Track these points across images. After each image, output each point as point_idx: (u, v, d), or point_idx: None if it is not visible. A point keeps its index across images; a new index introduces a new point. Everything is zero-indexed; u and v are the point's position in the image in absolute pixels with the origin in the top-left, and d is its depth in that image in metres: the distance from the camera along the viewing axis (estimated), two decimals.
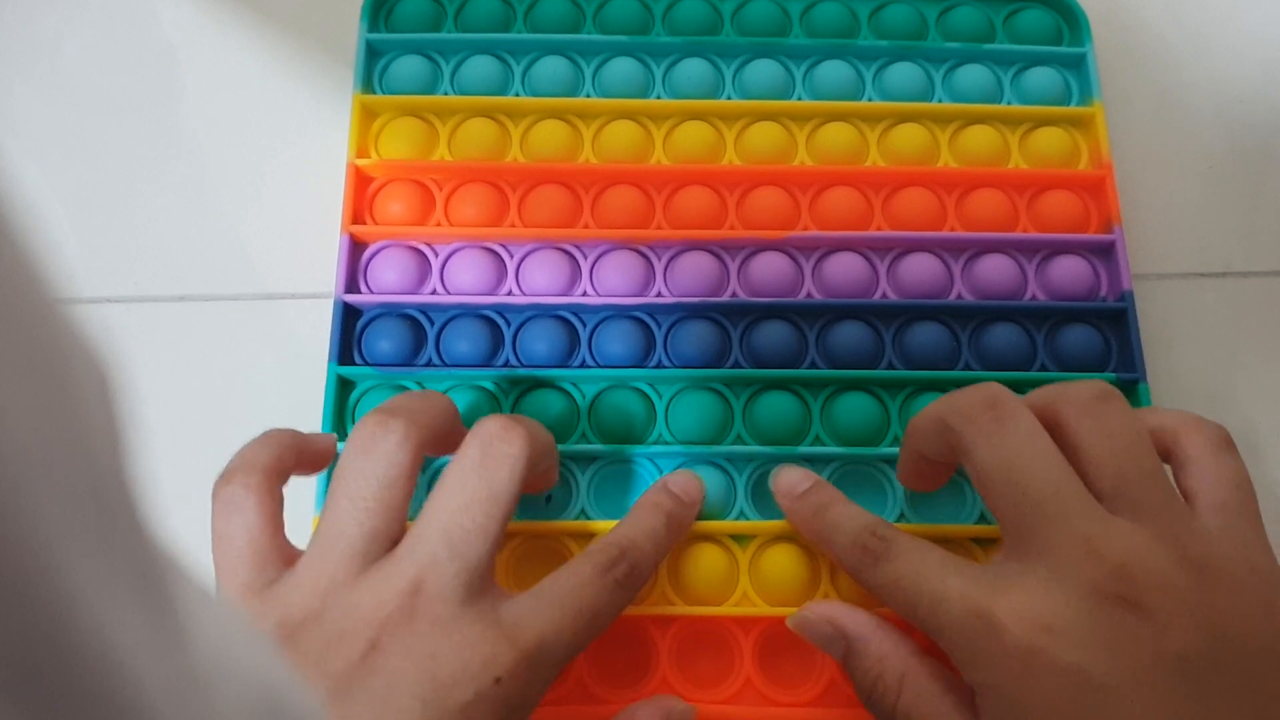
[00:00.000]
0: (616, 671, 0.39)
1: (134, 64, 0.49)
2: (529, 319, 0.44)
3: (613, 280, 0.44)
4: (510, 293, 0.44)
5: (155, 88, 0.49)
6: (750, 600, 0.40)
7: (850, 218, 0.45)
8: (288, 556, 0.33)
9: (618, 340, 0.43)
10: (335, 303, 0.43)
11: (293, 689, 0.19)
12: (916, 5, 0.49)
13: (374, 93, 0.47)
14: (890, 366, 0.44)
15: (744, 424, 0.43)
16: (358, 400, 0.43)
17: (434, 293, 0.44)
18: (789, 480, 0.40)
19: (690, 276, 0.44)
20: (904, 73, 0.48)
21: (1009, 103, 0.48)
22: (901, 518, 0.42)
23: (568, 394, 0.43)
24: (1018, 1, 0.50)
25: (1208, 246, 0.47)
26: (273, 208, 0.47)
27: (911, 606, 0.32)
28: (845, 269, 0.45)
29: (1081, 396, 0.33)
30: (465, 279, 0.44)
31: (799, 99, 0.48)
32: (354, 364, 0.43)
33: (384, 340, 0.43)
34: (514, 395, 0.43)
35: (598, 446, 0.42)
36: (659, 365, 0.43)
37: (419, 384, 0.43)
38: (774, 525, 0.41)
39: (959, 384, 0.43)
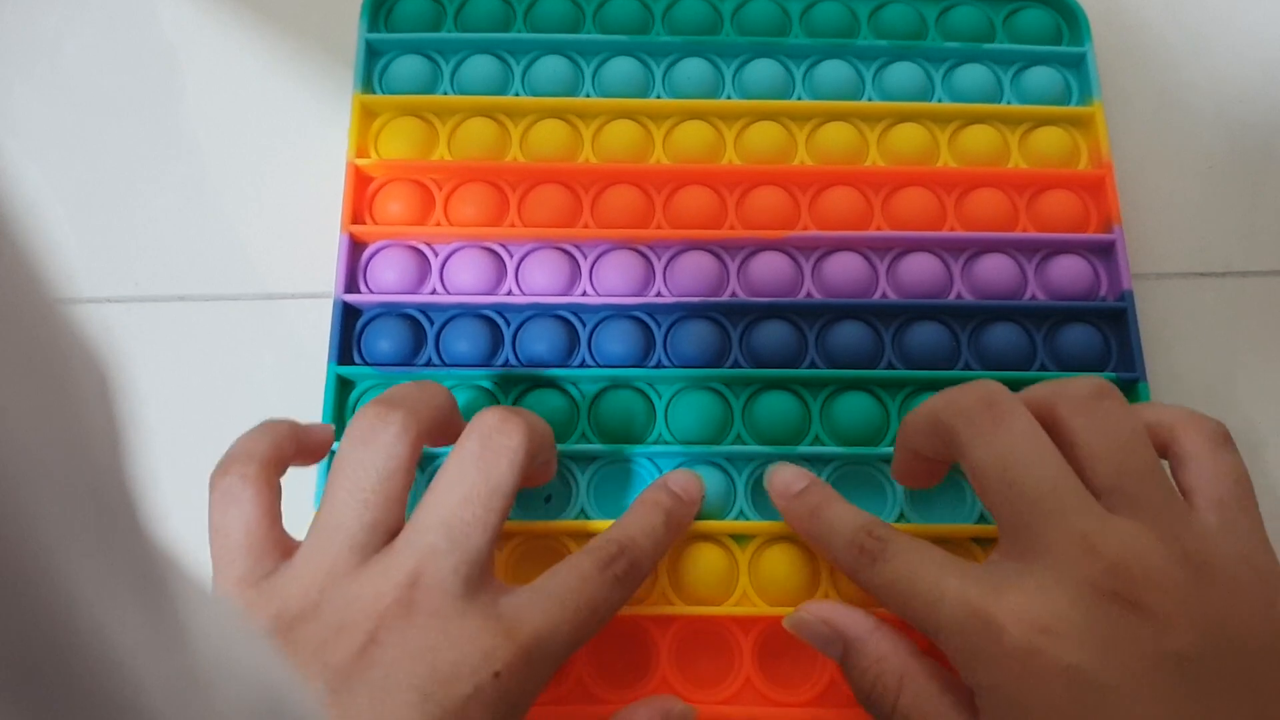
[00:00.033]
0: (616, 671, 0.39)
1: (134, 64, 0.49)
2: (529, 319, 0.44)
3: (612, 280, 0.44)
4: (510, 292, 0.44)
5: (155, 88, 0.49)
6: (750, 600, 0.40)
7: (850, 217, 0.45)
8: (285, 548, 0.33)
9: (617, 340, 0.43)
10: (335, 302, 0.43)
11: (292, 689, 0.19)
12: (916, 5, 0.49)
13: (374, 92, 0.47)
14: (890, 366, 0.44)
15: (743, 424, 0.43)
16: (357, 400, 0.43)
17: (434, 292, 0.44)
18: (784, 479, 0.39)
19: (690, 276, 0.44)
20: (904, 72, 0.48)
21: (1009, 102, 0.48)
22: (901, 518, 0.42)
23: (567, 394, 0.43)
24: (1017, 1, 0.50)
25: (1207, 246, 0.47)
26: (273, 207, 0.47)
27: (909, 607, 0.32)
28: (845, 269, 0.45)
29: (1078, 393, 0.33)
30: (465, 279, 0.44)
31: (799, 99, 0.48)
32: (354, 364, 0.43)
33: (384, 340, 0.43)
34: (513, 395, 0.43)
35: (597, 446, 0.42)
36: (659, 365, 0.43)
37: None
38: (773, 525, 0.41)
39: (959, 384, 0.43)
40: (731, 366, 0.43)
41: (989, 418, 0.32)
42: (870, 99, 0.48)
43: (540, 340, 0.43)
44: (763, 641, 0.40)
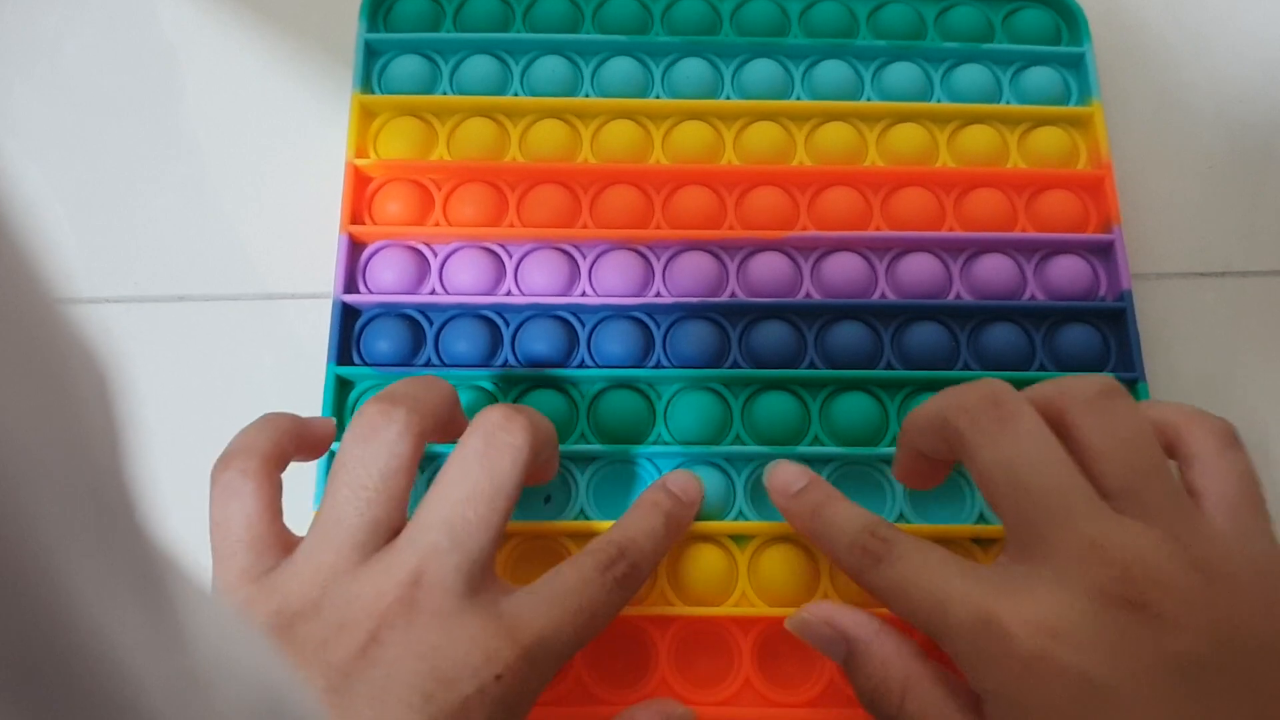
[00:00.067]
0: (616, 672, 0.39)
1: (134, 64, 0.49)
2: (528, 319, 0.44)
3: (612, 280, 0.44)
4: (509, 293, 0.44)
5: (155, 88, 0.49)
6: (749, 601, 0.40)
7: (849, 218, 0.45)
8: (286, 544, 0.33)
9: (617, 340, 0.43)
10: (334, 303, 0.43)
11: (292, 689, 0.19)
12: (915, 5, 0.49)
13: (373, 92, 0.47)
14: (889, 366, 0.44)
15: (743, 424, 0.43)
16: (357, 400, 0.43)
17: (433, 293, 0.44)
18: (784, 477, 0.39)
19: (689, 276, 0.44)
20: (903, 72, 0.48)
21: (1008, 102, 0.48)
22: (901, 518, 0.42)
23: (567, 394, 0.43)
24: (1016, 1, 0.50)
25: (1207, 246, 0.47)
26: (272, 208, 0.47)
27: (914, 610, 0.31)
28: (844, 269, 0.45)
29: (1085, 392, 0.32)
30: (464, 279, 0.44)
31: (798, 99, 0.48)
32: (353, 364, 0.43)
33: (383, 340, 0.43)
34: (513, 395, 0.43)
35: (597, 447, 0.42)
36: (658, 365, 0.43)
37: None
38: (773, 526, 0.41)
39: (958, 384, 0.43)
40: (731, 367, 0.43)
41: (995, 417, 0.32)
42: (869, 99, 0.48)
43: (539, 340, 0.43)
44: (762, 642, 0.40)
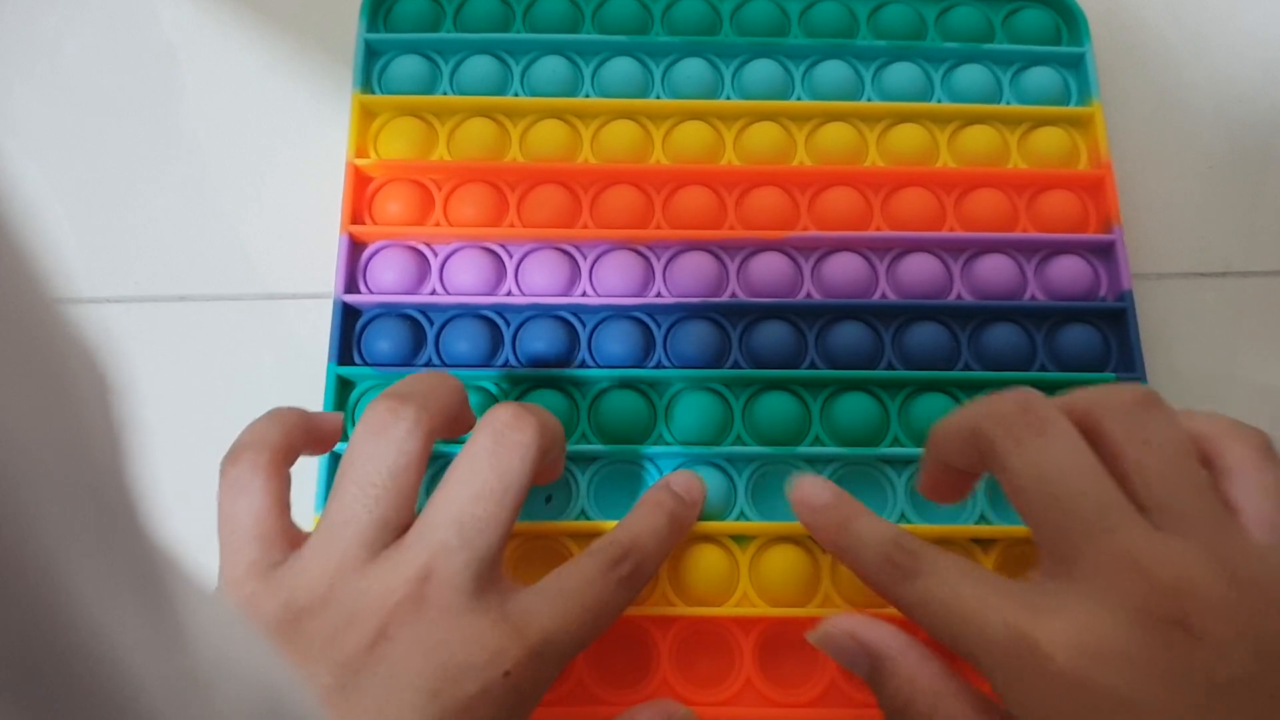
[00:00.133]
0: (617, 672, 0.39)
1: (134, 64, 0.49)
2: (528, 319, 0.44)
3: (612, 280, 0.44)
4: (510, 293, 0.44)
5: (155, 88, 0.49)
6: (750, 601, 0.40)
7: (849, 218, 0.45)
8: (294, 539, 0.33)
9: (617, 340, 0.43)
10: (335, 303, 0.43)
11: (292, 689, 0.19)
12: (915, 5, 0.49)
13: (373, 92, 0.47)
14: (890, 367, 0.44)
15: (744, 424, 0.43)
16: (358, 400, 0.43)
17: (433, 293, 0.44)
18: (808, 492, 0.37)
19: (690, 277, 0.44)
20: (903, 73, 0.48)
21: (1008, 103, 0.48)
22: (902, 518, 0.42)
23: (567, 394, 0.43)
24: (1016, 1, 0.50)
25: (1207, 246, 0.47)
26: (272, 207, 0.47)
27: (944, 626, 0.30)
28: (844, 269, 0.45)
29: (1122, 402, 0.31)
30: (465, 279, 0.44)
31: (798, 99, 0.48)
32: (354, 364, 0.43)
33: (383, 340, 0.43)
34: (514, 395, 0.43)
35: (598, 447, 0.42)
36: (658, 365, 0.43)
37: None
38: (774, 526, 0.41)
39: (959, 384, 0.43)
40: (731, 367, 0.43)
41: (1027, 426, 0.30)
42: (869, 99, 0.48)
43: (540, 341, 0.43)
44: (763, 642, 0.40)
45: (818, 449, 0.42)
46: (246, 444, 0.34)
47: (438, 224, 0.45)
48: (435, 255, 0.45)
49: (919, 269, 0.45)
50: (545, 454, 0.34)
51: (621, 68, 0.48)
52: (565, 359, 0.43)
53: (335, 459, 0.41)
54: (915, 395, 0.43)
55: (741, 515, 0.41)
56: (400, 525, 0.32)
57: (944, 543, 0.41)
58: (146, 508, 0.14)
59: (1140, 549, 0.28)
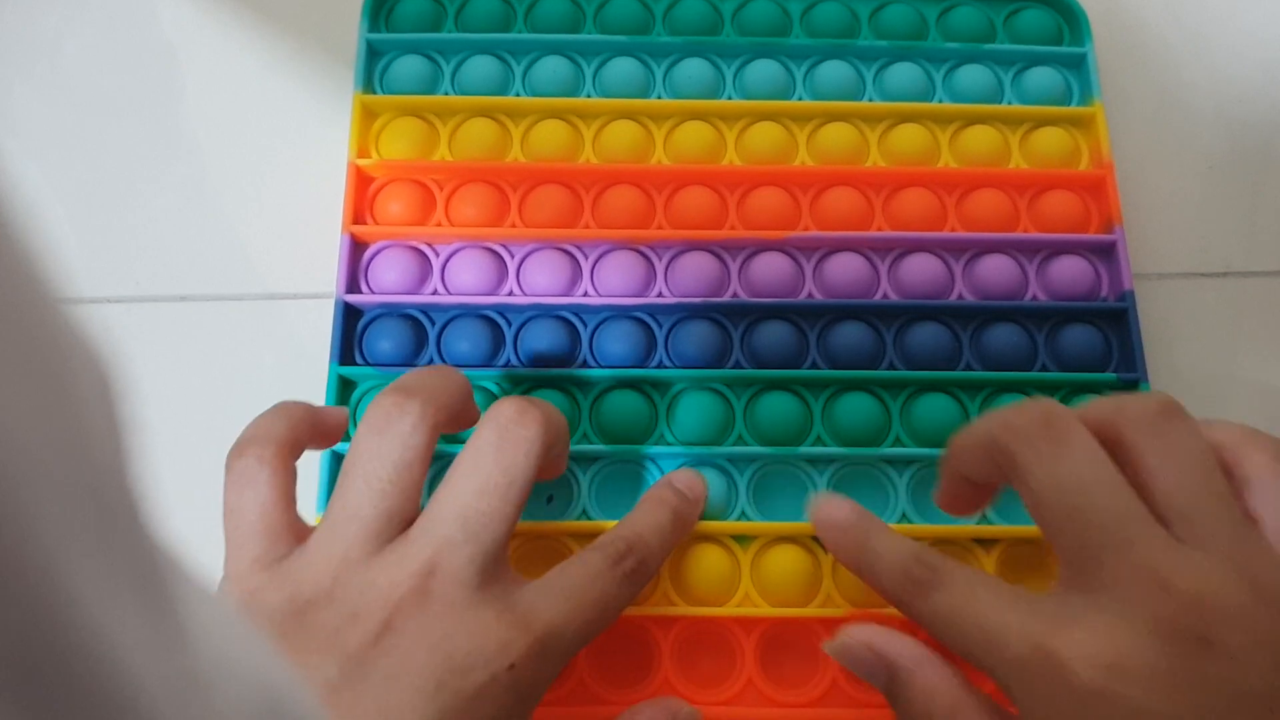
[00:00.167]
0: (618, 672, 0.39)
1: (134, 64, 0.49)
2: (530, 319, 0.44)
3: (613, 280, 0.44)
4: (511, 293, 0.44)
5: (155, 88, 0.49)
6: (752, 601, 0.40)
7: (851, 218, 0.45)
8: (299, 533, 0.33)
9: (619, 340, 0.43)
10: (336, 303, 0.43)
11: (293, 689, 0.19)
12: (917, 5, 0.49)
13: (374, 93, 0.47)
14: (891, 367, 0.44)
15: (745, 424, 0.43)
16: (359, 400, 0.43)
17: (435, 293, 0.44)
18: (828, 510, 0.37)
19: (691, 277, 0.44)
20: (904, 73, 0.48)
21: (1009, 103, 0.48)
22: (903, 518, 0.42)
23: (569, 394, 0.43)
24: (1018, 1, 0.50)
25: (1208, 246, 0.47)
26: (273, 208, 0.47)
27: (964, 640, 0.30)
28: (846, 269, 0.45)
29: (1144, 413, 0.30)
30: (466, 279, 0.44)
31: (799, 99, 0.48)
32: (355, 364, 0.43)
33: (385, 340, 0.43)
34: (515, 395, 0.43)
35: (599, 447, 0.42)
36: (660, 365, 0.43)
37: None
38: (775, 526, 0.41)
39: (960, 384, 0.43)
40: (733, 367, 0.43)
41: (1047, 437, 0.30)
42: (871, 99, 0.48)
43: (541, 340, 0.43)
44: (765, 642, 0.40)
45: (819, 449, 0.42)
46: (252, 437, 0.34)
47: (439, 224, 0.45)
48: (437, 255, 0.45)
49: (920, 269, 0.45)
50: (549, 449, 0.34)
51: (623, 68, 0.48)
52: (567, 359, 0.43)
53: (336, 459, 0.41)
54: (916, 395, 0.43)
55: (743, 515, 0.41)
56: (405, 519, 0.32)
57: (945, 543, 0.41)
58: (147, 508, 0.14)
59: (1161, 561, 0.28)
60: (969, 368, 0.44)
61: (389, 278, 0.44)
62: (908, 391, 0.43)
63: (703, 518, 0.41)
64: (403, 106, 0.46)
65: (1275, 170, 0.48)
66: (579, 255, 0.45)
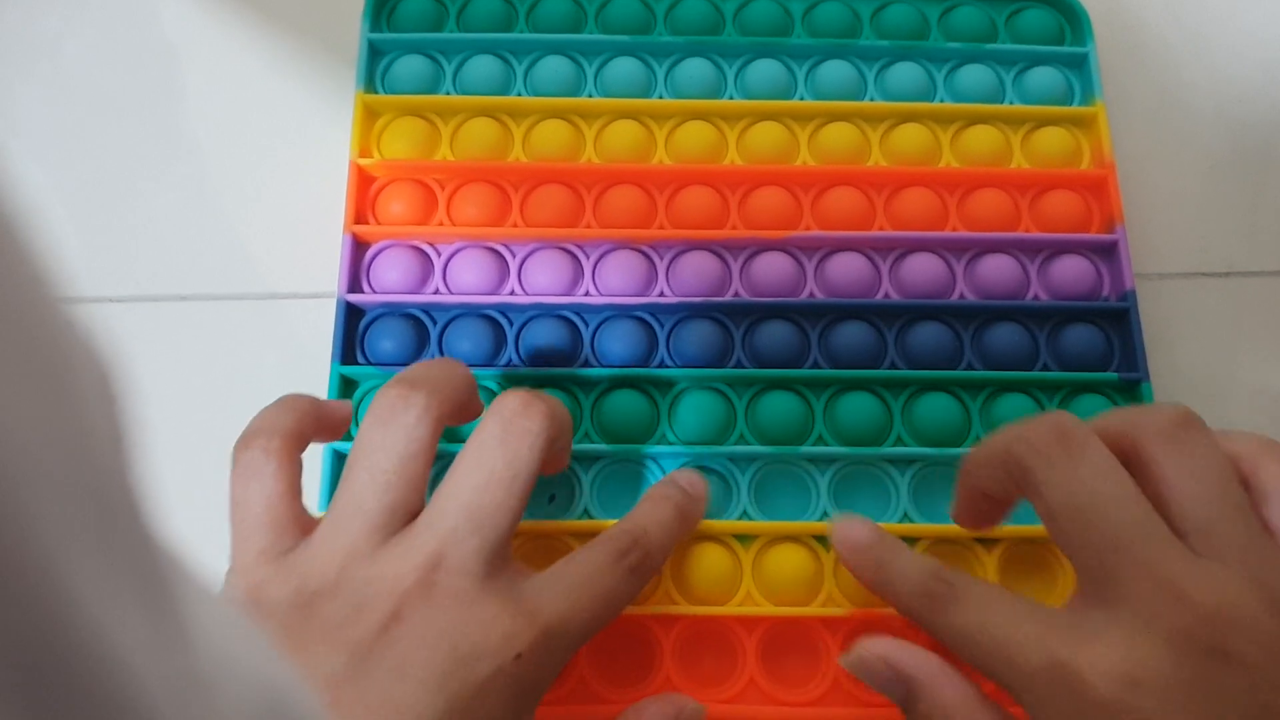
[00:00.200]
0: (619, 671, 0.39)
1: (135, 64, 0.49)
2: (531, 319, 0.44)
3: (615, 280, 0.44)
4: (512, 292, 0.44)
5: (156, 87, 0.49)
6: (753, 600, 0.40)
7: (852, 218, 0.45)
8: (305, 525, 0.33)
9: (620, 340, 0.43)
10: (338, 302, 0.43)
11: (294, 689, 0.19)
12: (918, 5, 0.49)
13: (376, 92, 0.47)
14: (892, 366, 0.44)
15: (747, 424, 0.43)
16: (361, 400, 0.43)
17: (436, 292, 0.44)
18: (849, 532, 0.37)
19: (692, 276, 0.44)
20: (906, 73, 0.48)
21: (1011, 102, 0.48)
22: (905, 518, 0.42)
23: (570, 393, 0.43)
24: (1019, 1, 0.50)
25: (1209, 246, 0.47)
26: (274, 207, 0.47)
27: (981, 655, 0.30)
28: (847, 269, 0.45)
29: (1161, 425, 0.30)
30: (467, 279, 0.44)
31: (801, 99, 0.48)
32: (357, 364, 0.43)
33: (387, 340, 0.43)
34: None
35: (601, 446, 0.42)
36: (661, 365, 0.43)
37: None
38: (777, 525, 0.41)
39: (961, 384, 0.43)
40: (734, 366, 0.43)
41: (1062, 450, 0.30)
42: (872, 99, 0.48)
43: (543, 340, 0.43)
44: (766, 641, 0.40)
45: (820, 449, 0.42)
46: (258, 430, 0.34)
47: (441, 224, 0.45)
48: (438, 255, 0.45)
49: (922, 269, 0.45)
50: (553, 442, 0.34)
51: (624, 68, 0.48)
52: (568, 358, 0.43)
53: (338, 457, 0.41)
54: (918, 395, 0.43)
55: (744, 515, 0.41)
56: (410, 511, 0.33)
57: (946, 542, 0.41)
58: (148, 507, 0.14)
59: (1177, 573, 0.28)
60: (970, 367, 0.44)
61: (390, 277, 0.44)
62: (909, 391, 0.43)
63: (704, 517, 0.41)
64: (404, 106, 0.46)
65: (1276, 170, 0.48)
66: (580, 255, 0.45)
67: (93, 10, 0.50)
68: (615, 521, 0.37)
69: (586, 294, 0.44)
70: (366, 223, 0.45)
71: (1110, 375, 0.43)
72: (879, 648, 0.33)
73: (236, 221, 0.47)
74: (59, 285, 0.12)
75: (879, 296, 0.44)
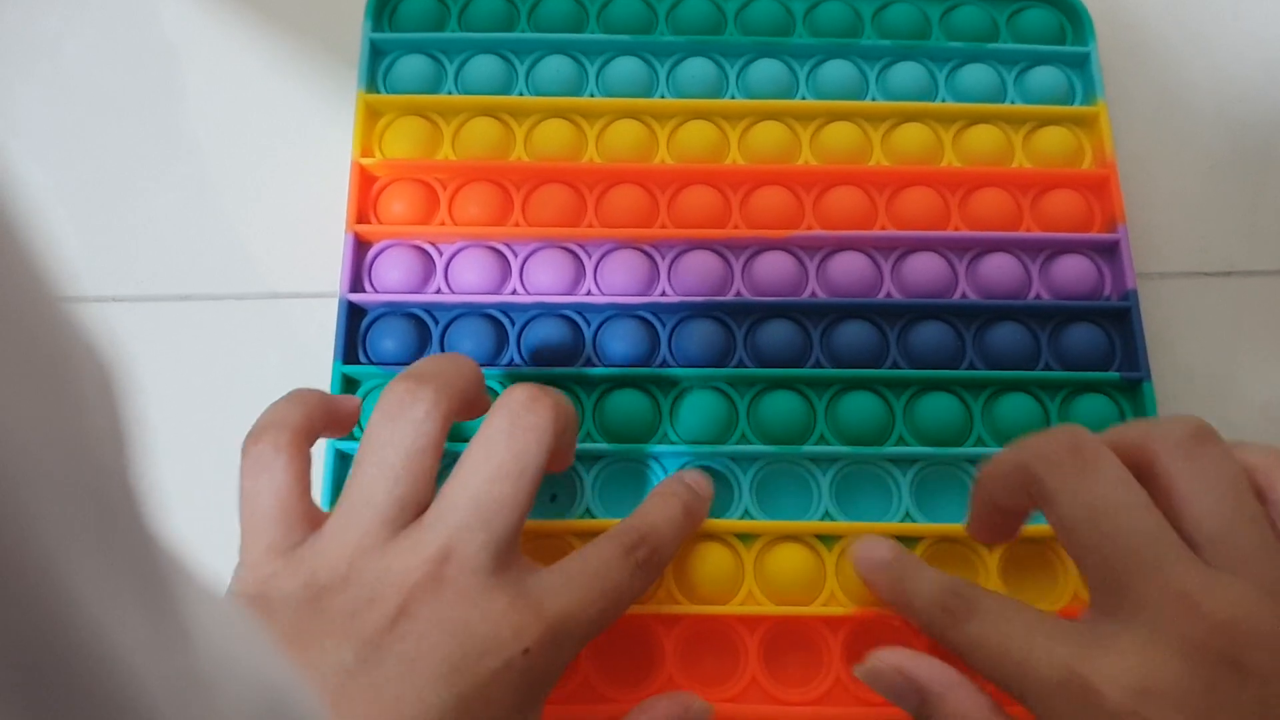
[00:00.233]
0: (622, 670, 0.39)
1: (135, 64, 0.49)
2: (533, 318, 0.44)
3: (617, 279, 0.44)
4: (514, 292, 0.44)
5: (157, 87, 0.49)
6: (755, 599, 0.40)
7: (854, 217, 0.45)
8: (314, 520, 0.33)
9: (622, 339, 0.43)
10: (340, 302, 0.43)
11: (295, 689, 0.19)
12: (920, 5, 0.49)
13: (378, 92, 0.47)
14: (894, 366, 0.44)
15: (749, 423, 0.43)
16: (363, 399, 0.43)
17: (438, 292, 0.44)
18: (869, 551, 0.38)
19: (694, 276, 0.44)
20: (907, 72, 0.48)
21: (1012, 102, 0.48)
22: (906, 517, 0.41)
23: (572, 393, 0.43)
24: (1021, 1, 0.50)
25: (1210, 246, 0.47)
26: (276, 207, 0.47)
27: (995, 667, 0.30)
28: (849, 268, 0.45)
29: (1175, 437, 0.30)
30: (469, 278, 0.44)
31: (803, 98, 0.48)
32: (359, 363, 0.43)
33: (388, 339, 0.43)
34: None
35: (603, 446, 0.42)
36: (663, 364, 0.43)
37: None
38: (779, 525, 0.41)
39: (963, 383, 0.43)
40: (736, 366, 0.43)
41: (1075, 463, 0.30)
42: (874, 99, 0.48)
43: (545, 339, 0.43)
44: (768, 640, 0.40)
45: (822, 448, 0.42)
46: (268, 424, 0.34)
47: (442, 223, 0.45)
48: (440, 254, 0.45)
49: (924, 268, 0.45)
50: (560, 436, 0.34)
51: (626, 67, 0.48)
52: (570, 358, 0.43)
53: (341, 456, 0.41)
54: (920, 394, 0.43)
55: (746, 514, 0.41)
56: (419, 505, 0.33)
57: (947, 542, 0.41)
58: (149, 507, 0.14)
59: (1191, 584, 0.28)
60: (972, 367, 0.44)
61: (392, 277, 0.44)
62: (911, 390, 0.43)
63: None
64: (406, 106, 0.46)
65: (1277, 170, 0.48)
66: (582, 254, 0.45)
67: (93, 10, 0.50)
68: (618, 520, 0.37)
69: (588, 293, 0.44)
70: (368, 222, 0.45)
71: (1112, 375, 0.43)
72: (893, 658, 0.34)
73: (238, 221, 0.47)
74: (59, 285, 0.12)
75: (881, 296, 0.44)
